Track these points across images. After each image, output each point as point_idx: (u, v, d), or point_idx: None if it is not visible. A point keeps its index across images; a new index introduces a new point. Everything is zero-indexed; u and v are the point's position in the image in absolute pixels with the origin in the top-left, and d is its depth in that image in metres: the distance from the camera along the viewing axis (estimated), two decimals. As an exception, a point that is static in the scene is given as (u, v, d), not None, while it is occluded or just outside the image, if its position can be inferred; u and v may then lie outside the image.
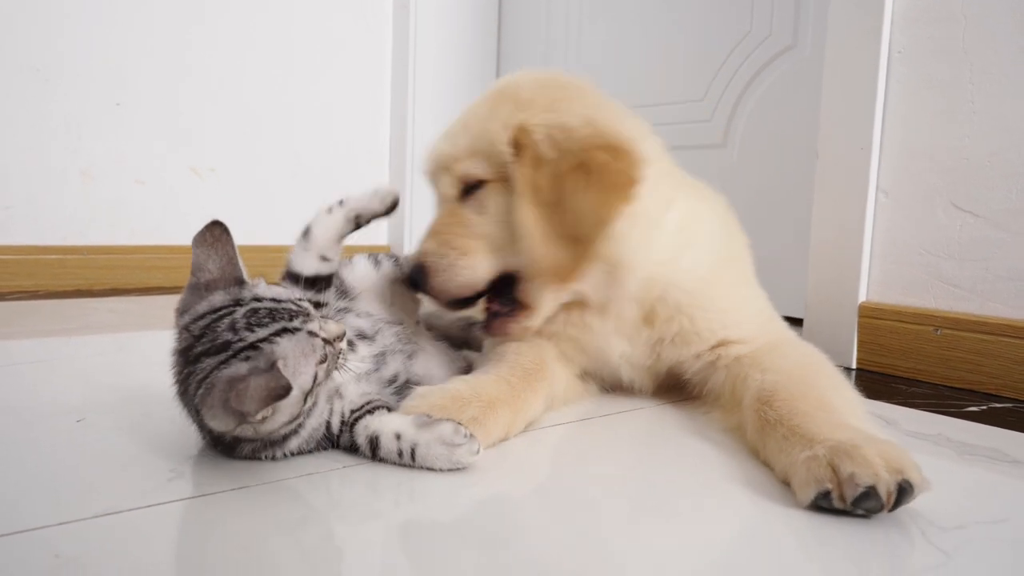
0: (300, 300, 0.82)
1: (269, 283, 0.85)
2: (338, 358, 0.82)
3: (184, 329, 0.78)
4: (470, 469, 0.83)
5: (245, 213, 2.71)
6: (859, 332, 1.59)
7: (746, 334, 1.08)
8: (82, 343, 1.52)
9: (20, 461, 0.85)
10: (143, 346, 1.53)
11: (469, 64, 3.11)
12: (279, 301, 0.79)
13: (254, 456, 0.84)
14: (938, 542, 0.71)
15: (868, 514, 0.73)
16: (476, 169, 1.02)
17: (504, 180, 1.00)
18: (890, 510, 0.72)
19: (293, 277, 0.95)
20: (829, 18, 1.63)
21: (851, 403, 0.95)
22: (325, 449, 0.88)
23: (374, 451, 0.84)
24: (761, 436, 0.89)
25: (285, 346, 0.75)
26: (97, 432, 0.94)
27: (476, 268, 1.01)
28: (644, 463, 0.93)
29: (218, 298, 0.79)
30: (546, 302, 1.03)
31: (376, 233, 3.07)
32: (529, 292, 1.02)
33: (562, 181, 0.93)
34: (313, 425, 0.85)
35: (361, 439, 0.85)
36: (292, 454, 0.85)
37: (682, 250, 1.05)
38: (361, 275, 1.08)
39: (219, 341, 0.74)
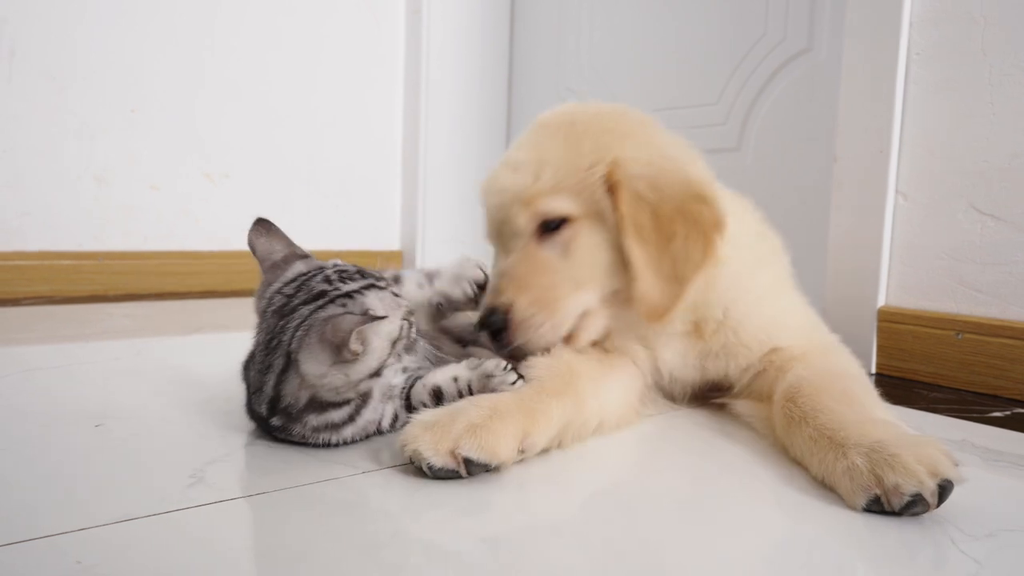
0: (379, 277, 0.92)
1: None
2: (412, 329, 0.91)
3: (277, 293, 0.87)
4: (511, 488, 0.83)
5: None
6: (879, 337, 1.57)
7: (792, 343, 1.06)
8: (99, 348, 1.53)
9: (39, 466, 0.84)
10: (160, 351, 1.53)
11: (482, 68, 3.11)
12: (361, 268, 0.90)
13: (310, 438, 0.87)
14: (970, 551, 0.69)
15: (916, 515, 0.75)
16: (564, 206, 0.98)
17: (591, 217, 0.98)
18: (936, 507, 0.75)
19: None
20: (847, 20, 1.61)
21: (874, 396, 0.96)
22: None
23: (439, 399, 0.93)
24: (788, 434, 0.90)
25: (374, 298, 0.85)
26: (115, 437, 0.94)
27: (567, 323, 0.99)
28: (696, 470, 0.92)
29: (301, 265, 0.89)
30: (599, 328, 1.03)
31: (389, 239, 3.07)
32: (592, 322, 1.01)
33: (664, 223, 0.95)
34: (368, 418, 0.90)
35: (424, 396, 0.93)
36: (346, 442, 0.90)
37: (724, 263, 1.04)
38: (408, 293, 1.09)
39: (315, 291, 0.84)
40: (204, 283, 2.53)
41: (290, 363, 0.83)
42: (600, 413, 0.99)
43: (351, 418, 0.89)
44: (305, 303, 0.83)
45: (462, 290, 0.98)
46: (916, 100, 1.52)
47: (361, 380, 0.86)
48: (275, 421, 0.88)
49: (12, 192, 2.25)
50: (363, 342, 0.82)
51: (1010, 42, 1.39)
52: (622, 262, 0.97)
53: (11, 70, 2.22)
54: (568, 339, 1.00)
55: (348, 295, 0.84)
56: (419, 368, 0.97)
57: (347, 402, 0.88)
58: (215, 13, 2.57)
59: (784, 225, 2.11)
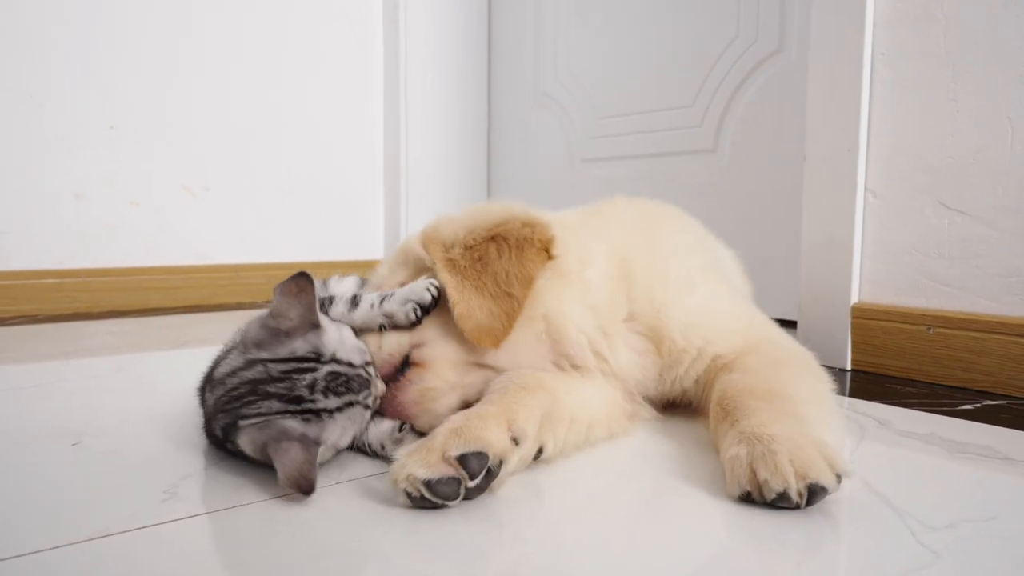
0: (368, 365, 0.91)
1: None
2: (368, 420, 0.92)
3: (261, 363, 0.85)
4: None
5: (240, 230, 2.72)
6: (853, 333, 1.59)
7: (734, 346, 1.08)
8: (81, 366, 1.53)
9: (17, 485, 0.85)
10: (141, 368, 1.53)
11: (461, 75, 3.13)
12: (353, 367, 0.88)
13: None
14: (927, 541, 0.71)
15: (789, 509, 0.78)
16: (399, 279, 1.06)
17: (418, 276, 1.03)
18: (805, 506, 0.77)
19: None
20: (812, 21, 1.64)
21: (812, 391, 0.98)
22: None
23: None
24: (715, 433, 0.93)
25: (339, 421, 0.85)
26: (93, 454, 0.95)
27: (385, 348, 0.98)
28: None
29: (299, 345, 0.86)
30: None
31: (373, 248, 3.08)
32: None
33: (476, 251, 0.98)
34: (330, 441, 0.91)
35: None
36: None
37: (649, 288, 1.08)
38: (360, 315, 1.06)
39: (295, 393, 0.83)
40: (188, 297, 2.54)
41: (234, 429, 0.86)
42: (586, 411, 0.99)
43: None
44: (280, 398, 0.83)
45: (405, 313, 0.98)
46: (882, 99, 1.54)
47: None
48: (231, 446, 0.88)
49: (-8, 212, 2.25)
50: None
51: (971, 41, 1.41)
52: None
53: (-12, 90, 2.22)
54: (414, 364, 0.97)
55: (317, 413, 0.83)
56: None
57: None
58: (189, 28, 2.58)
59: (759, 224, 2.15)
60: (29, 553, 0.66)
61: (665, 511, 0.80)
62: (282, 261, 2.80)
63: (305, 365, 0.85)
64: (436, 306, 0.97)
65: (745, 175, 2.21)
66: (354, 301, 1.00)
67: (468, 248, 0.98)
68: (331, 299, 1.00)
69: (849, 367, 1.60)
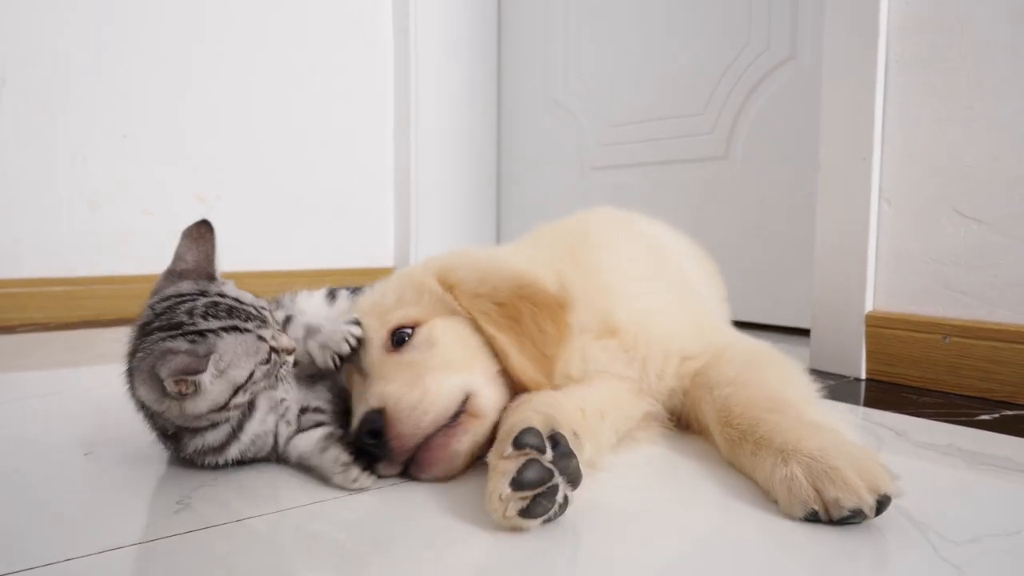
0: (263, 308, 0.89)
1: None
2: (282, 368, 0.88)
3: (149, 307, 0.85)
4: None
5: (252, 239, 2.72)
6: (867, 342, 1.57)
7: (693, 345, 1.08)
8: (92, 374, 1.53)
9: (30, 496, 0.85)
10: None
11: (471, 82, 3.13)
12: (241, 302, 0.86)
13: (198, 458, 0.88)
14: (950, 556, 0.70)
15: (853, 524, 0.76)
16: (411, 312, 0.99)
17: (443, 315, 0.99)
18: (874, 518, 0.76)
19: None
20: (826, 28, 1.63)
21: (803, 392, 0.98)
22: (270, 461, 0.94)
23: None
24: (733, 454, 0.92)
25: (229, 341, 0.82)
26: (105, 464, 0.95)
27: (443, 397, 0.89)
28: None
29: (186, 286, 0.87)
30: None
31: (382, 256, 3.08)
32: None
33: (507, 308, 0.97)
34: (256, 432, 0.90)
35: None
36: (235, 461, 0.90)
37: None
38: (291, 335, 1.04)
39: (174, 320, 0.82)
40: (199, 305, 2.54)
41: (132, 385, 0.84)
42: (597, 402, 0.99)
43: (234, 435, 0.88)
44: (160, 328, 0.81)
45: (323, 358, 0.95)
46: (896, 106, 1.53)
47: (203, 414, 0.83)
48: (168, 444, 0.89)
49: (5, 219, 2.27)
50: (195, 385, 0.79)
51: (987, 47, 1.40)
52: (490, 344, 0.96)
53: (3, 98, 2.24)
54: (468, 413, 0.91)
55: (201, 333, 0.81)
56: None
57: (218, 424, 0.87)
58: (202, 37, 2.60)
59: (771, 232, 2.14)
60: (41, 565, 0.66)
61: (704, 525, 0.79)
62: (293, 269, 2.80)
63: (186, 297, 0.84)
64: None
65: (757, 182, 2.20)
66: (287, 320, 0.98)
67: (499, 305, 0.98)
68: (288, 319, 0.98)
69: (864, 376, 1.58)
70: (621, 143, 2.61)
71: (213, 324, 0.82)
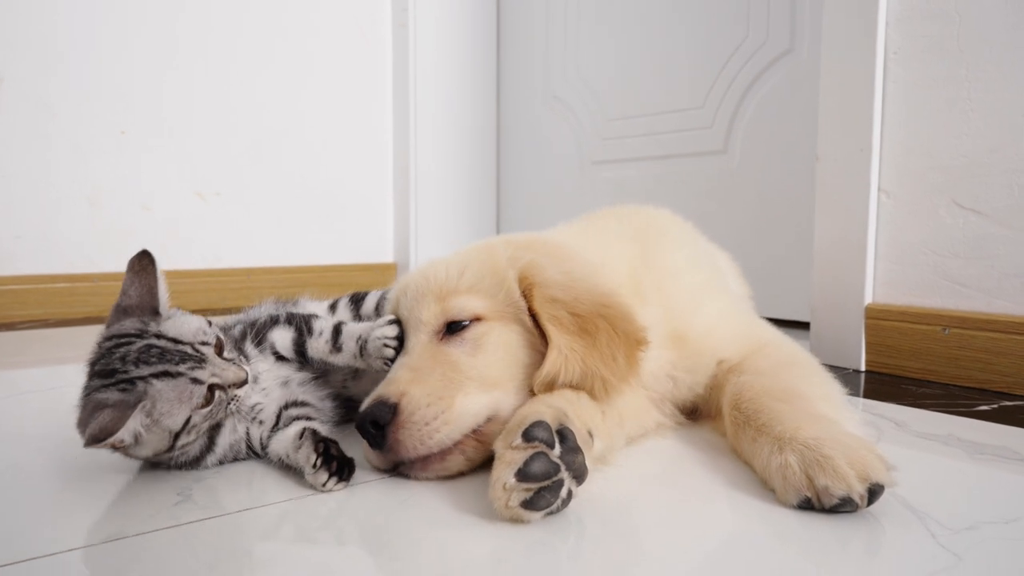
0: (203, 344, 0.86)
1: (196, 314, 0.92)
2: (230, 404, 0.87)
3: (97, 344, 0.85)
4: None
5: (251, 235, 2.72)
6: (867, 334, 1.58)
7: (739, 349, 1.08)
8: (92, 370, 1.53)
9: (32, 489, 0.85)
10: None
11: (471, 78, 3.13)
12: (178, 342, 0.84)
13: (179, 468, 0.90)
14: (949, 544, 0.70)
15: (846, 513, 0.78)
16: (477, 305, 0.94)
17: (505, 320, 0.95)
18: (866, 507, 0.77)
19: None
20: (824, 20, 1.63)
21: (823, 389, 0.98)
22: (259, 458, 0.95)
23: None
24: (736, 438, 0.93)
25: (159, 388, 0.81)
26: (107, 458, 0.95)
27: (465, 421, 0.87)
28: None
29: (128, 324, 0.86)
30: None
31: (383, 251, 3.08)
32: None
33: (584, 320, 0.92)
34: (229, 441, 0.91)
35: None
36: (219, 464, 0.92)
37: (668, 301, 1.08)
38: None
39: (109, 367, 0.81)
40: (198, 301, 2.54)
41: None
42: (620, 406, 0.97)
43: (208, 449, 0.90)
44: (98, 375, 0.82)
45: (368, 365, 0.97)
46: (895, 98, 1.53)
47: (154, 456, 0.86)
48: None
49: (5, 216, 2.27)
50: (134, 436, 0.80)
51: (986, 39, 1.40)
52: (539, 363, 0.91)
53: (2, 95, 2.24)
54: (476, 436, 0.89)
55: (132, 381, 0.80)
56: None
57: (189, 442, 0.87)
58: (205, 34, 2.59)
59: (771, 225, 2.14)
60: (46, 555, 0.66)
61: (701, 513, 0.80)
62: (292, 264, 2.80)
63: (124, 340, 0.84)
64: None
65: (756, 176, 2.20)
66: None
67: (576, 315, 0.93)
68: (338, 329, 0.99)
69: (863, 368, 1.58)
70: (621, 137, 2.61)
71: (144, 371, 0.80)
